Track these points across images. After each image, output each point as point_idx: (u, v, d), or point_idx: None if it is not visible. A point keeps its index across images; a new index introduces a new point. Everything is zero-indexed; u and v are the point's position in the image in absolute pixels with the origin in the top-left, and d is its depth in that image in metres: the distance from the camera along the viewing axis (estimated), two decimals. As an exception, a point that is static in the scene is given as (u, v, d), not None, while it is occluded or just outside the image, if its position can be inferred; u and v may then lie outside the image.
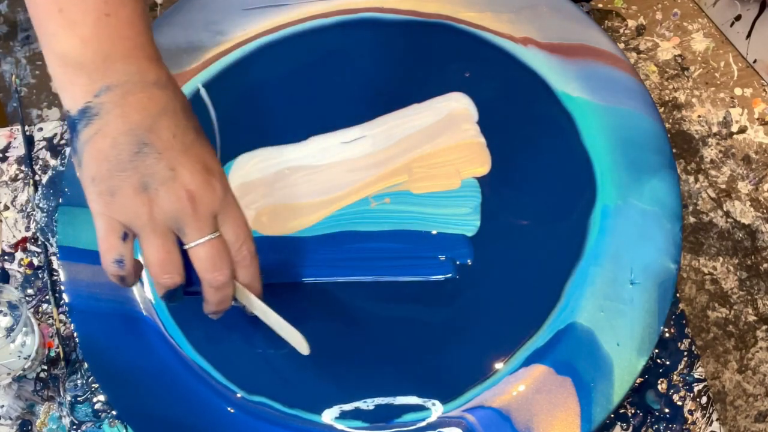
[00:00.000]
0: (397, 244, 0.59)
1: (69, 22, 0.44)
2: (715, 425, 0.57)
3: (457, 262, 0.58)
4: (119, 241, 0.44)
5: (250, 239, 0.47)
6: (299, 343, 0.50)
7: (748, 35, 0.67)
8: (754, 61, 0.68)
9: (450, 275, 0.57)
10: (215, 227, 0.45)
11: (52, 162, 0.66)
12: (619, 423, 0.57)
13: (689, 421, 0.57)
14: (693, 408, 0.57)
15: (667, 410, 0.57)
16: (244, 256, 0.47)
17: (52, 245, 0.63)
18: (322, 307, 0.57)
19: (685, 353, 0.58)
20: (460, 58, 0.64)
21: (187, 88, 0.64)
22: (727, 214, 0.63)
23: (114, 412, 0.58)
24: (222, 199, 0.45)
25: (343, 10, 0.67)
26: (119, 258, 0.45)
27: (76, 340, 0.58)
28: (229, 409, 0.55)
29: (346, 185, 0.61)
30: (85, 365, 0.59)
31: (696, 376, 0.58)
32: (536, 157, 0.61)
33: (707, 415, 0.57)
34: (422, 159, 0.62)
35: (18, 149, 0.67)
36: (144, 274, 0.59)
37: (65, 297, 0.58)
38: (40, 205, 0.64)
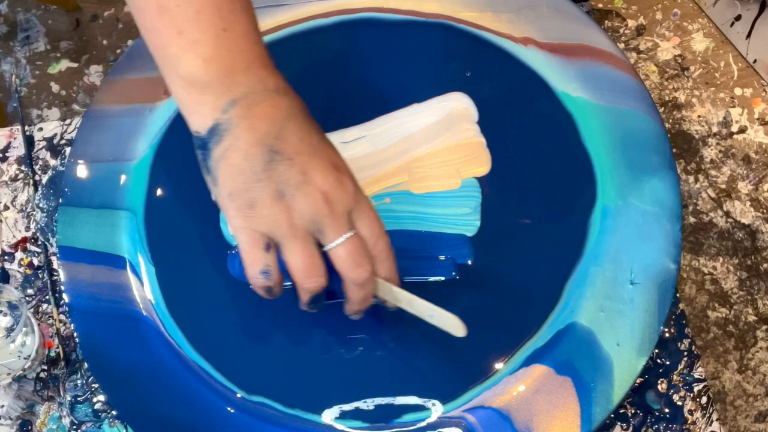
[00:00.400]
0: (397, 244, 0.59)
1: (190, 43, 0.44)
2: (715, 425, 0.57)
3: (457, 262, 0.58)
4: (263, 252, 0.45)
5: (384, 233, 0.47)
6: (455, 326, 0.49)
7: (748, 35, 0.67)
8: (754, 61, 0.68)
9: (454, 276, 0.57)
10: (351, 225, 0.45)
11: (52, 162, 0.66)
12: (619, 423, 0.57)
13: (689, 421, 0.57)
14: (693, 408, 0.57)
15: (667, 410, 0.57)
16: (381, 250, 0.47)
17: (52, 245, 0.63)
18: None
19: (685, 353, 0.58)
20: (460, 58, 0.64)
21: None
22: (727, 214, 0.63)
23: (114, 412, 0.58)
24: (354, 195, 0.45)
25: (343, 9, 0.67)
26: (265, 269, 0.45)
27: (76, 340, 0.58)
28: (229, 409, 0.55)
29: (346, 185, 0.61)
30: (85, 365, 0.59)
31: (696, 376, 0.58)
32: (536, 157, 0.61)
33: (707, 415, 0.57)
34: (422, 159, 0.62)
35: (18, 149, 0.67)
36: (144, 273, 0.59)
37: (65, 297, 0.58)
38: (40, 205, 0.64)
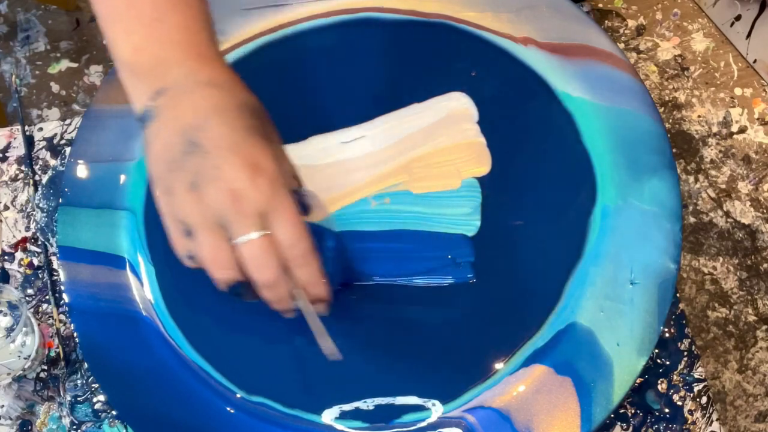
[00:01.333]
0: (397, 244, 0.59)
1: (123, 31, 0.46)
2: (715, 425, 0.57)
3: (457, 261, 0.58)
4: (184, 238, 0.45)
5: (305, 239, 0.46)
6: (332, 352, 0.50)
7: (748, 35, 0.67)
8: (754, 61, 0.68)
9: (470, 278, 0.57)
10: (262, 226, 0.45)
11: (52, 162, 0.66)
12: (619, 423, 0.57)
13: (689, 421, 0.57)
14: (693, 408, 0.57)
15: (667, 410, 0.57)
16: (298, 256, 0.46)
17: (52, 245, 0.63)
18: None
19: (685, 353, 0.58)
20: (460, 58, 0.64)
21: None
22: (727, 214, 0.63)
23: (114, 412, 0.58)
24: (268, 197, 0.45)
25: (343, 9, 0.67)
26: (189, 254, 0.46)
27: (76, 340, 0.58)
28: (228, 409, 0.55)
29: (345, 185, 0.61)
30: (85, 365, 0.59)
31: (696, 376, 0.58)
32: (536, 157, 0.61)
33: (707, 415, 0.57)
34: (422, 159, 0.62)
35: (18, 149, 0.67)
36: (144, 273, 0.59)
37: (65, 297, 0.58)
38: (40, 205, 0.64)
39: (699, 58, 0.69)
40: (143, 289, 0.59)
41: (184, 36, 0.47)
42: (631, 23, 0.70)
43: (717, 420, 0.57)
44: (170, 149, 0.45)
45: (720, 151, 0.65)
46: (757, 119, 0.66)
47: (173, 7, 0.47)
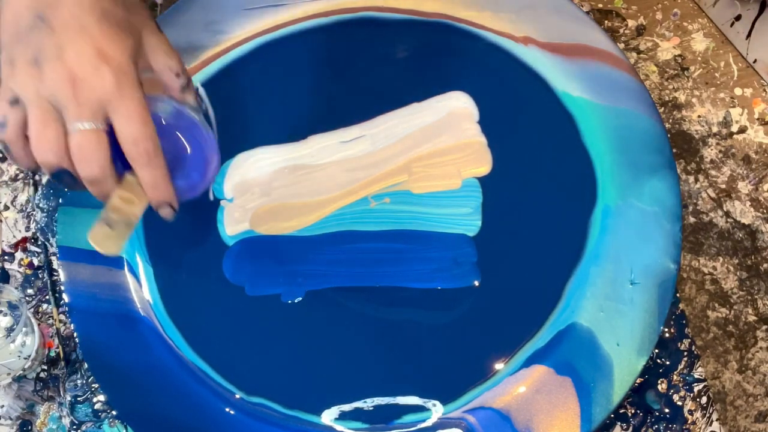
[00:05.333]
0: (397, 244, 0.59)
1: None
2: (715, 425, 0.57)
3: (458, 261, 0.58)
4: (7, 105, 0.43)
5: (149, 138, 0.44)
6: (103, 246, 0.46)
7: (748, 35, 0.67)
8: (754, 61, 0.68)
9: (474, 283, 0.57)
10: (100, 117, 0.43)
11: (52, 162, 0.66)
12: (619, 423, 0.57)
13: (689, 421, 0.57)
14: (693, 408, 0.57)
15: (667, 410, 0.57)
16: (140, 154, 0.44)
17: (52, 245, 0.63)
18: (321, 307, 0.57)
19: (685, 353, 0.58)
20: (460, 58, 0.64)
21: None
22: (727, 214, 0.63)
23: (114, 412, 0.58)
24: (111, 88, 0.43)
25: (343, 9, 0.67)
26: (2, 121, 0.44)
27: (76, 340, 0.58)
28: (228, 410, 0.55)
29: (345, 185, 0.61)
30: (85, 365, 0.59)
31: (696, 376, 0.58)
32: (537, 157, 0.61)
33: (707, 415, 0.57)
34: (422, 158, 0.61)
35: (17, 149, 0.67)
36: (142, 273, 0.59)
37: (65, 297, 0.58)
38: (40, 205, 0.64)
39: (699, 58, 0.69)
40: (141, 289, 0.59)
41: None
42: (631, 23, 0.70)
43: (717, 420, 0.57)
44: (18, 20, 0.43)
45: (720, 151, 0.65)
46: (757, 119, 0.66)
47: None
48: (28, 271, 0.63)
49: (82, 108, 0.42)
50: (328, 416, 0.54)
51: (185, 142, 0.49)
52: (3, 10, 0.44)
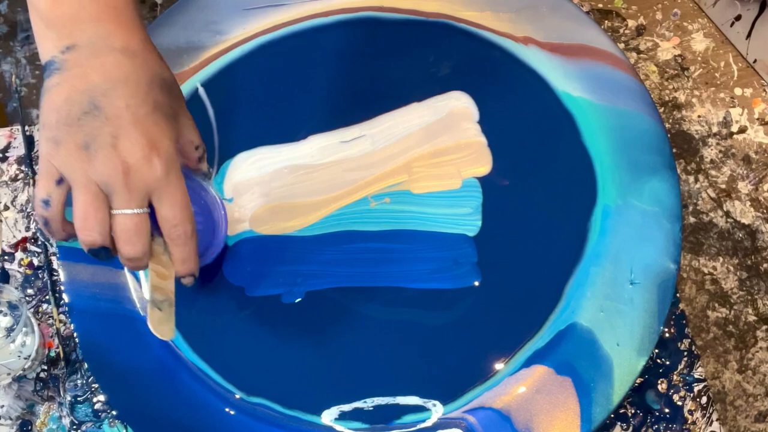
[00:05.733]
0: (397, 244, 0.59)
1: None
2: (715, 425, 0.57)
3: (459, 261, 0.58)
4: (53, 184, 0.45)
5: (188, 222, 0.47)
6: (159, 331, 0.50)
7: (748, 35, 0.67)
8: (754, 61, 0.68)
9: (474, 283, 0.57)
10: (145, 204, 0.45)
11: (52, 162, 0.66)
12: (619, 423, 0.57)
13: (689, 421, 0.57)
14: (693, 408, 0.57)
15: (667, 410, 0.57)
16: (178, 236, 0.47)
17: (52, 245, 0.63)
18: (321, 307, 0.57)
19: (685, 353, 0.58)
20: (460, 58, 0.64)
21: (186, 88, 0.64)
22: (727, 214, 0.63)
23: (114, 412, 0.58)
24: (160, 177, 0.45)
25: (343, 9, 0.67)
26: (47, 198, 0.45)
27: (76, 340, 0.58)
28: (228, 410, 0.55)
29: (345, 185, 0.61)
30: (85, 365, 0.59)
31: (696, 376, 0.58)
32: (537, 157, 0.61)
33: (707, 415, 0.57)
34: (422, 158, 0.61)
35: (18, 149, 0.67)
36: (142, 273, 0.59)
37: (65, 297, 0.58)
38: (40, 205, 0.64)
39: (699, 58, 0.69)
40: (141, 290, 0.59)
41: None
42: (631, 23, 0.70)
43: (717, 420, 0.57)
44: (70, 105, 0.44)
45: (720, 151, 0.65)
46: (757, 119, 0.66)
47: None
48: (28, 271, 0.63)
49: (132, 195, 0.45)
50: (328, 416, 0.54)
51: (199, 209, 0.53)
52: (51, 94, 0.45)
